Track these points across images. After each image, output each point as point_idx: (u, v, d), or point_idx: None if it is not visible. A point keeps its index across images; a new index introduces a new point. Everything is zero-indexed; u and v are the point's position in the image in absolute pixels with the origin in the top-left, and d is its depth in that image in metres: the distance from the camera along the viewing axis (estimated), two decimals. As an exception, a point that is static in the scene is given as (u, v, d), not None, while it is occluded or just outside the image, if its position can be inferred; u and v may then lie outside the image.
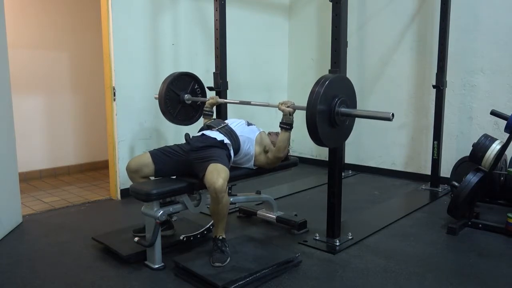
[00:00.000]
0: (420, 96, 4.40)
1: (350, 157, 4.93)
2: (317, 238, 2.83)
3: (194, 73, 3.56)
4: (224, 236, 2.46)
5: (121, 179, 3.82)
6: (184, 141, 2.72)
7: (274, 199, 3.25)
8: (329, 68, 2.66)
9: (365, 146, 4.86)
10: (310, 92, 2.26)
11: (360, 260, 2.55)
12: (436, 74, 3.95)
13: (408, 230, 3.06)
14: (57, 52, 4.70)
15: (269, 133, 2.96)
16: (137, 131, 3.97)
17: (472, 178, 2.98)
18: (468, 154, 3.22)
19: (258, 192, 3.16)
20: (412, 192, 4.10)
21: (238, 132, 2.79)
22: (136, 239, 2.46)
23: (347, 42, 2.70)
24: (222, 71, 3.56)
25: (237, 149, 2.75)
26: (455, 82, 4.10)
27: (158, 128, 4.10)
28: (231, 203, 2.76)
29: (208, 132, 2.75)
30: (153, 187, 2.43)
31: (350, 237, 2.85)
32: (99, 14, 3.74)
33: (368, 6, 4.73)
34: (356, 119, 2.55)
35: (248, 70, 4.96)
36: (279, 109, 2.75)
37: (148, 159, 2.63)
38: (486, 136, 3.13)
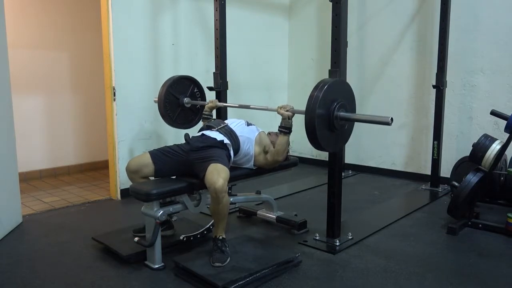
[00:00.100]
0: (420, 96, 4.40)
1: (350, 157, 4.93)
2: (317, 238, 2.83)
3: (194, 73, 3.56)
4: (224, 236, 2.47)
5: (121, 179, 3.82)
6: (184, 141, 2.72)
7: (274, 199, 3.25)
8: (329, 68, 2.65)
9: (365, 146, 4.86)
10: (309, 97, 2.26)
11: (360, 260, 2.55)
12: (436, 74, 3.95)
13: (408, 230, 3.06)
14: (57, 52, 4.70)
15: (269, 133, 2.96)
16: (137, 131, 3.97)
17: (472, 178, 2.98)
18: (468, 154, 3.22)
19: (258, 192, 3.16)
20: (412, 192, 4.10)
21: (238, 132, 2.79)
22: (136, 239, 2.46)
23: (347, 42, 2.69)
24: (222, 71, 3.56)
25: (237, 149, 2.75)
26: (455, 82, 4.10)
27: (158, 128, 4.10)
28: (231, 203, 2.76)
29: (208, 132, 2.75)
30: (153, 187, 2.43)
31: (350, 237, 2.85)
32: (99, 14, 3.74)
33: (368, 6, 4.73)
34: (356, 119, 2.55)
35: (248, 70, 4.96)
36: (278, 113, 2.75)
37: (148, 159, 2.63)
38: (486, 136, 3.13)
